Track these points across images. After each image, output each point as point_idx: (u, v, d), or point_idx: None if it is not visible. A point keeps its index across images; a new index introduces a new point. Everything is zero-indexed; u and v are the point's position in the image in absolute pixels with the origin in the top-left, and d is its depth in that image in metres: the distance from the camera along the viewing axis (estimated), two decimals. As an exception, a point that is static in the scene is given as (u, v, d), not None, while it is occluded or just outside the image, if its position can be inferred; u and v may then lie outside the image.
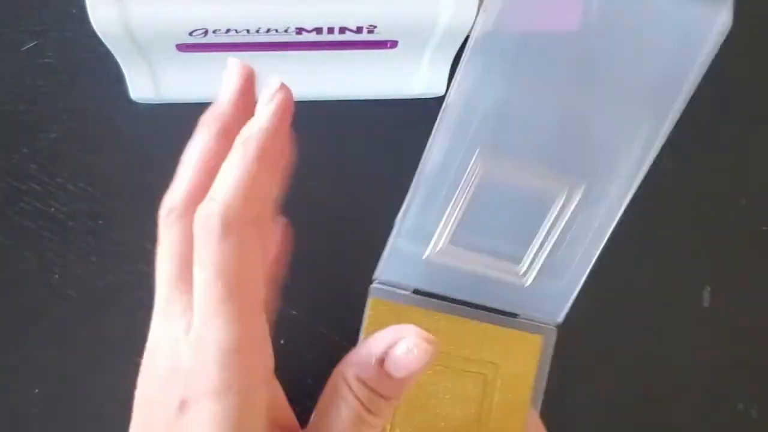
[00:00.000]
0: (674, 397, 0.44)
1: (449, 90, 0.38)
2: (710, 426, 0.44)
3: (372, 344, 0.31)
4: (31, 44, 0.42)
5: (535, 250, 0.41)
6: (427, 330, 0.31)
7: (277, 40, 0.36)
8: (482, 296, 0.41)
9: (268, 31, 0.35)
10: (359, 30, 0.36)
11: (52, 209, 0.41)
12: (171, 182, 0.42)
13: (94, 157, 0.42)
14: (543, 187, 0.40)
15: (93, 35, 0.35)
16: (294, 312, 0.42)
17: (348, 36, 0.36)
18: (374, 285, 0.41)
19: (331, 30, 0.36)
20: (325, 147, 0.43)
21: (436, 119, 0.43)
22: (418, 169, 0.40)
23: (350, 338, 0.42)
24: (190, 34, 0.35)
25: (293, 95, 0.30)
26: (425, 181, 0.40)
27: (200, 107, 0.42)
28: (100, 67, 0.41)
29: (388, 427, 0.39)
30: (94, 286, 0.41)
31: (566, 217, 0.40)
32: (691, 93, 0.37)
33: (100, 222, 0.41)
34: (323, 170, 0.43)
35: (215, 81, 0.40)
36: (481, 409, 0.40)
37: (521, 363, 0.39)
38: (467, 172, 0.40)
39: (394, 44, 0.38)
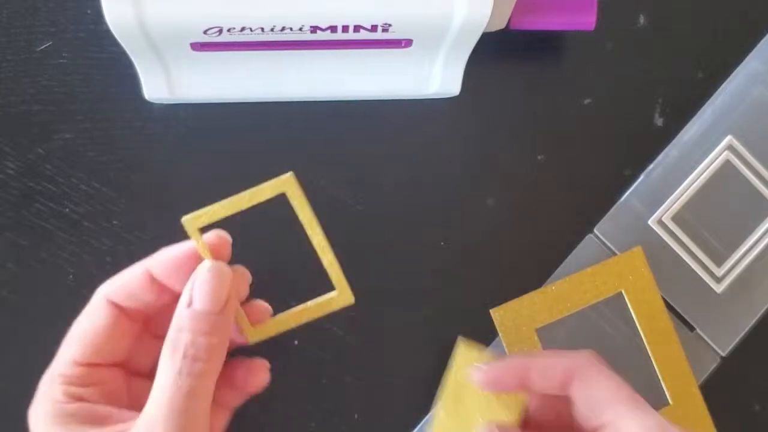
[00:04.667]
0: None
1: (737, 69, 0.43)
2: None
3: (182, 296, 0.33)
4: (46, 44, 0.42)
5: (738, 257, 0.42)
6: None
7: (292, 39, 0.36)
8: (672, 293, 0.42)
9: (283, 29, 0.35)
10: (374, 28, 0.36)
11: (67, 209, 0.41)
12: (186, 183, 0.42)
13: (109, 158, 0.42)
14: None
15: (107, 35, 0.35)
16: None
17: (362, 34, 0.36)
18: (591, 235, 0.42)
19: (345, 28, 0.36)
20: (334, 147, 0.43)
21: (448, 119, 0.43)
22: (679, 135, 0.43)
23: (361, 338, 0.42)
24: (205, 32, 0.35)
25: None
26: (680, 146, 0.42)
27: (214, 107, 0.42)
28: (115, 67, 0.41)
29: None
30: (108, 286, 0.41)
31: None
32: None
33: (115, 222, 0.41)
34: (332, 170, 0.43)
35: (229, 80, 0.40)
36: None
37: None
38: (713, 154, 0.42)
39: (408, 43, 0.38)
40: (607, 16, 0.42)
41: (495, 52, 0.43)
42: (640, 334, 0.41)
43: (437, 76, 0.41)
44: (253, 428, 0.41)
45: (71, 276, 0.41)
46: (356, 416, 0.41)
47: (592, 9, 0.41)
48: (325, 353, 0.42)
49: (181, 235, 0.41)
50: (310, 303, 0.36)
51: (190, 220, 0.34)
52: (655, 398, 0.41)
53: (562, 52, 0.44)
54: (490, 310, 0.41)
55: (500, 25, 0.40)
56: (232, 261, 0.35)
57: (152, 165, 0.42)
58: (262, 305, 0.37)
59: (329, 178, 0.42)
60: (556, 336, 0.41)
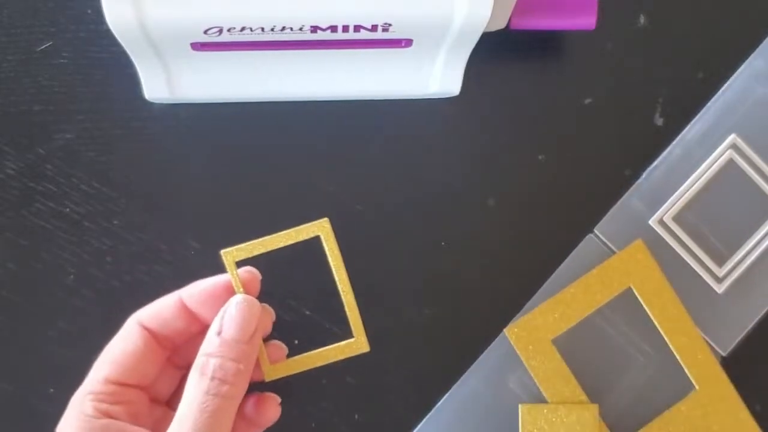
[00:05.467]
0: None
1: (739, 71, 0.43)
2: None
3: (213, 325, 0.34)
4: (46, 44, 0.42)
5: (740, 257, 0.42)
6: None
7: (292, 39, 0.36)
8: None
9: (283, 29, 0.35)
10: (374, 28, 0.36)
11: (68, 209, 0.41)
12: (186, 182, 0.42)
13: (109, 158, 0.42)
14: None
15: (107, 35, 0.35)
16: (308, 312, 0.42)
17: (363, 34, 0.36)
18: (591, 235, 0.42)
19: (345, 28, 0.36)
20: (334, 147, 0.43)
21: (448, 119, 0.43)
22: (681, 133, 0.42)
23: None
24: (205, 32, 0.35)
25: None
26: (683, 145, 0.42)
27: (214, 107, 0.42)
28: (115, 67, 0.41)
29: None
30: (109, 286, 0.41)
31: None
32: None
33: (115, 222, 0.41)
34: (332, 170, 0.43)
35: (229, 80, 0.40)
36: None
37: None
38: (716, 153, 0.42)
39: (408, 43, 0.38)
40: (607, 16, 0.42)
41: (495, 52, 0.43)
42: (654, 328, 0.41)
43: (437, 76, 0.41)
44: (253, 428, 0.41)
45: (71, 276, 0.41)
46: (356, 416, 0.41)
47: (592, 9, 0.40)
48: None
49: (181, 235, 0.42)
50: (327, 347, 0.37)
51: (228, 253, 0.36)
52: (680, 387, 0.41)
53: (562, 52, 0.44)
54: (504, 330, 0.41)
55: (500, 25, 0.40)
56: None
57: (152, 165, 0.42)
58: (280, 345, 0.38)
59: (329, 178, 0.42)
60: (572, 343, 0.41)
